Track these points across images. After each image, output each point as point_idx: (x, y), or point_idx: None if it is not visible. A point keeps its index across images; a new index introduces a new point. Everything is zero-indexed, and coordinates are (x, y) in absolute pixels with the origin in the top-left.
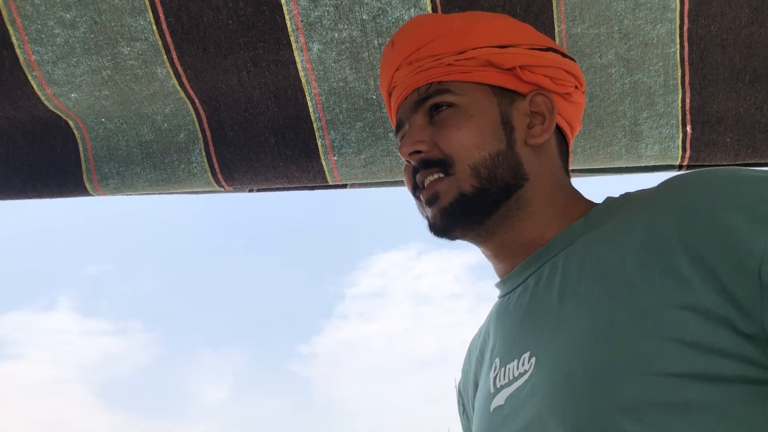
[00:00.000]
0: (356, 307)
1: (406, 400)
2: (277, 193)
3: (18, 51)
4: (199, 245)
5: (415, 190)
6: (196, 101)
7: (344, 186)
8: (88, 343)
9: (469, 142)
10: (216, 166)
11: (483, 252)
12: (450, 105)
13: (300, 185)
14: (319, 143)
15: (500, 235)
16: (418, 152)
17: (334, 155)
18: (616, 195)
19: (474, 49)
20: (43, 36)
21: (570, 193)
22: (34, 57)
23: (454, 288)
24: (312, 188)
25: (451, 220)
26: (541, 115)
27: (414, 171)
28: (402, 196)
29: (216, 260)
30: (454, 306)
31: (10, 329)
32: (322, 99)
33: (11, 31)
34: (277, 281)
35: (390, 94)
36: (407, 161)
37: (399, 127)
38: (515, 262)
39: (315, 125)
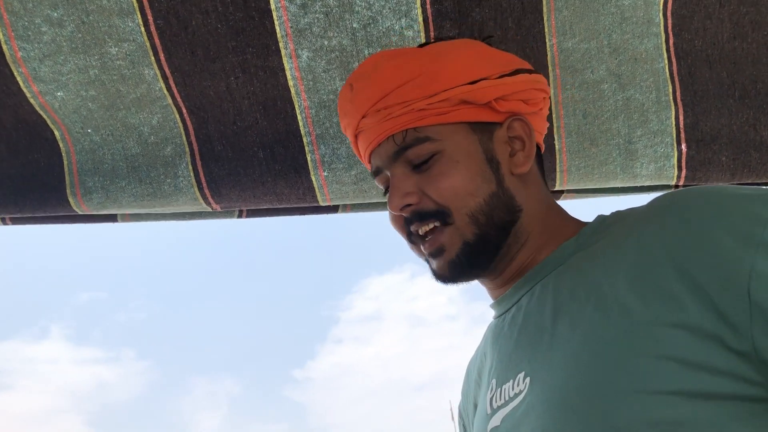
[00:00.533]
0: (351, 330)
1: (402, 424)
2: (269, 219)
3: (4, 47)
4: (191, 272)
5: (410, 236)
6: (184, 110)
7: (335, 209)
8: (81, 371)
9: (462, 190)
10: (203, 181)
11: (479, 281)
12: (433, 154)
13: (289, 205)
14: (308, 158)
15: (501, 268)
16: (409, 205)
17: (324, 170)
18: (607, 213)
19: (445, 90)
20: (30, 33)
21: (558, 212)
22: (20, 53)
23: (449, 309)
24: (302, 212)
25: (459, 271)
26: (520, 139)
27: (407, 221)
28: None
29: (209, 286)
30: (449, 328)
31: (2, 359)
32: (312, 113)
33: None
34: (271, 306)
35: (356, 137)
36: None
37: (377, 173)
38: (510, 284)
39: (305, 140)
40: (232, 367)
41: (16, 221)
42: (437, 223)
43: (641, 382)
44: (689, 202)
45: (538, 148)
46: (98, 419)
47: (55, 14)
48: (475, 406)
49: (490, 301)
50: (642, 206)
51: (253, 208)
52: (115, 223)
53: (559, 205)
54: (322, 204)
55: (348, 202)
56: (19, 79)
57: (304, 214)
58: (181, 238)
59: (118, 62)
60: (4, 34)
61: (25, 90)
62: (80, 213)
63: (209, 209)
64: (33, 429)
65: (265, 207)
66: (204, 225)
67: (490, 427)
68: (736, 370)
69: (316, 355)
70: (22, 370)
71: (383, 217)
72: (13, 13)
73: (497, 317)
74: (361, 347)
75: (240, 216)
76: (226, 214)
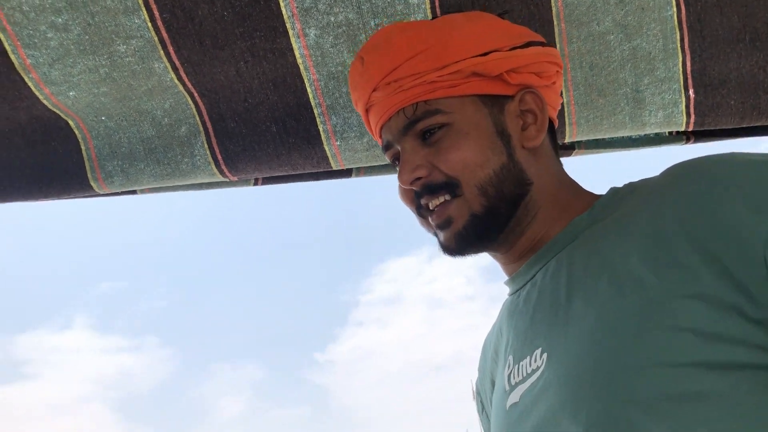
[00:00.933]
0: (371, 313)
1: (424, 404)
2: (288, 199)
3: (12, 56)
4: (210, 259)
5: (419, 209)
6: (195, 94)
7: (349, 173)
8: (106, 360)
9: (472, 162)
10: (219, 158)
11: (491, 255)
12: (442, 125)
13: (304, 171)
14: (320, 129)
15: (510, 242)
16: (419, 178)
17: (337, 140)
18: (620, 185)
19: (456, 62)
20: (36, 40)
21: (570, 186)
22: (29, 61)
23: (467, 290)
24: (317, 177)
25: (465, 243)
26: (532, 113)
27: (417, 195)
28: None
29: (229, 273)
30: (467, 308)
31: (28, 349)
32: (321, 84)
33: (2, 38)
34: (292, 291)
35: (367, 111)
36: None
37: (387, 147)
38: (523, 260)
39: (316, 111)
40: (254, 353)
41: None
42: (447, 196)
43: (659, 355)
44: (701, 171)
45: (551, 122)
46: (124, 406)
47: (60, 20)
48: (493, 383)
49: (506, 278)
50: (654, 177)
51: (268, 175)
52: (135, 195)
53: (571, 179)
54: (335, 168)
55: (362, 165)
56: (30, 84)
57: (318, 179)
58: (198, 226)
59: (127, 59)
60: (9, 44)
61: (37, 93)
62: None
63: (227, 181)
64: (61, 417)
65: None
66: (223, 213)
67: (509, 403)
68: (755, 339)
69: (337, 338)
70: (48, 359)
71: (396, 199)
72: (16, 24)
73: (512, 294)
74: (381, 330)
75: (256, 183)
76: (242, 182)
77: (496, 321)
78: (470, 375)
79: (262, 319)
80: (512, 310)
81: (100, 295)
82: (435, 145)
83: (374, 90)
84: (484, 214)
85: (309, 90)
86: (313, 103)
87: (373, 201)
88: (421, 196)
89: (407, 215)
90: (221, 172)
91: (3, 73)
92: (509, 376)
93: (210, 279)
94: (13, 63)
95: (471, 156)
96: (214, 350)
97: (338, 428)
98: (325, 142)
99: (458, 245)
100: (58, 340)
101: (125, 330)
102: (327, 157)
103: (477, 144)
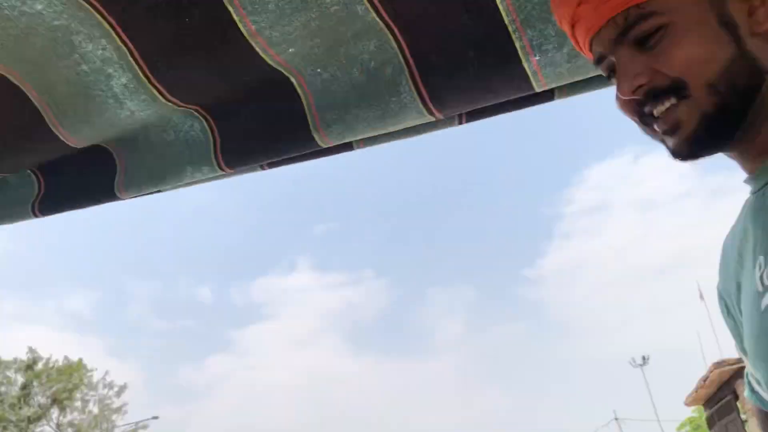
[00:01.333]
0: (577, 224)
1: (646, 310)
2: (478, 125)
3: (240, 26)
4: (413, 192)
5: (642, 117)
6: (395, 30)
7: (551, 96)
8: (330, 296)
9: (697, 59)
10: (424, 92)
11: (726, 155)
12: (659, 28)
13: (505, 98)
14: (517, 45)
15: (748, 138)
16: (641, 86)
17: (535, 55)
18: None
19: None
20: (257, 6)
21: None
22: (254, 27)
23: (681, 187)
24: (519, 105)
25: (698, 146)
26: None
27: (640, 104)
28: (609, 100)
29: (432, 203)
30: (684, 206)
31: (263, 292)
32: None
33: (231, 10)
34: (492, 212)
35: (573, 27)
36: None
37: (600, 60)
38: (765, 155)
39: (510, 28)
40: (464, 276)
41: (271, 165)
42: (673, 100)
43: None
44: None
45: None
46: (352, 335)
47: None
48: (738, 286)
49: (746, 176)
50: None
51: (471, 109)
52: (351, 151)
53: None
54: (537, 90)
55: (564, 83)
56: (257, 49)
57: (520, 107)
58: (399, 162)
59: (333, 8)
60: (237, 15)
61: (264, 56)
62: (323, 146)
63: (432, 119)
64: (304, 350)
65: (482, 106)
66: (420, 145)
67: (764, 304)
68: None
69: (544, 253)
70: (282, 300)
71: (595, 101)
72: None
73: (755, 192)
74: (591, 239)
75: (460, 122)
76: (447, 122)
77: (737, 222)
78: (696, 276)
79: (469, 243)
80: (758, 209)
81: (315, 238)
82: (653, 49)
83: (579, 4)
84: (716, 112)
85: (500, 6)
86: (506, 20)
87: (564, 110)
88: (644, 104)
89: (605, 114)
90: (427, 109)
91: (233, 43)
92: (761, 277)
93: (415, 212)
94: (242, 32)
95: (695, 53)
96: (426, 277)
97: (556, 341)
98: (523, 59)
99: (690, 149)
100: (287, 282)
101: (343, 267)
102: (527, 76)
103: (700, 39)
